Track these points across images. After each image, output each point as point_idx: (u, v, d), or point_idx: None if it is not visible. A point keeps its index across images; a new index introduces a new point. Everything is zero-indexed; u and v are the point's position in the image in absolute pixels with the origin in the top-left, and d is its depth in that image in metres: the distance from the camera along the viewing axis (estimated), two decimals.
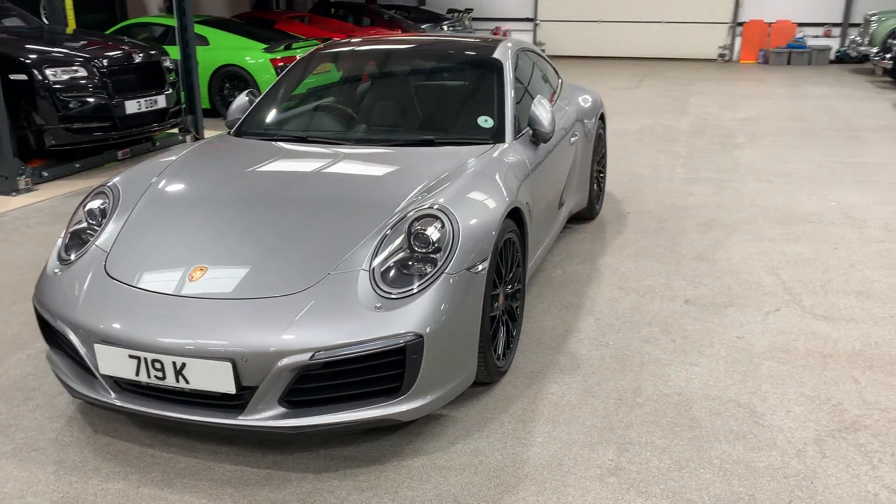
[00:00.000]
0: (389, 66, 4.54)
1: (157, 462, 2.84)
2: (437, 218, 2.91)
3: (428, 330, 2.66)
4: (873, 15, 15.08)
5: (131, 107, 7.45)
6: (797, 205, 6.08)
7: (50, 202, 6.40)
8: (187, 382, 2.63)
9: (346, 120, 4.15)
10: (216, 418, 2.66)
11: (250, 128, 4.17)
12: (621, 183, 6.75)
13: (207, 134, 9.22)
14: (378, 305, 2.67)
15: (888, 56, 12.86)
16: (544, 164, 4.03)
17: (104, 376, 2.79)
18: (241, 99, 4.41)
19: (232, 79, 10.42)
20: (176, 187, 3.44)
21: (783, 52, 17.76)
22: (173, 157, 3.70)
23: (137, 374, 2.68)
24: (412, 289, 2.72)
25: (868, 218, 5.70)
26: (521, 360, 3.54)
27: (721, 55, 19.07)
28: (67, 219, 6.09)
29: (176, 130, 8.77)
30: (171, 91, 8.03)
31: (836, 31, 18.41)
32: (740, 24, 18.77)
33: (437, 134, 3.86)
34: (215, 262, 2.87)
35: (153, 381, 2.67)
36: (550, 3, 20.09)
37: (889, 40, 13.26)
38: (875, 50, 14.12)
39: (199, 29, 10.43)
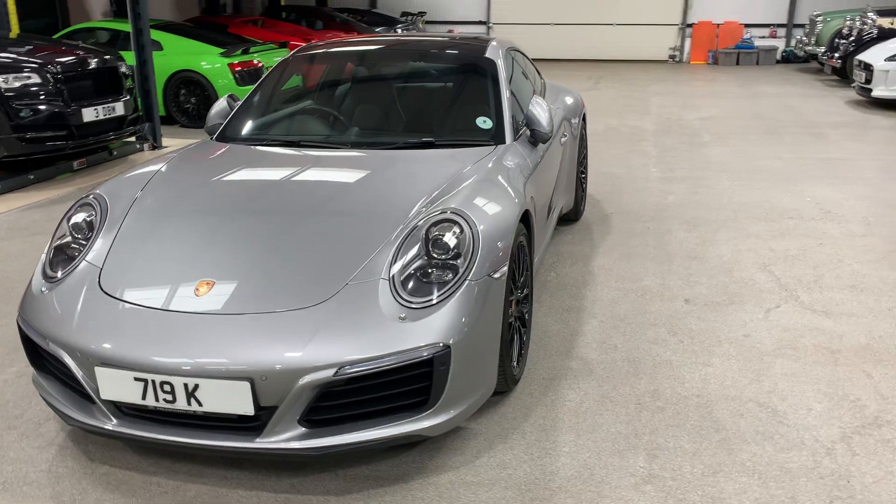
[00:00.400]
0: (379, 67, 4.40)
1: (164, 491, 2.65)
2: (454, 223, 2.79)
3: (454, 340, 2.54)
4: (818, 16, 15.50)
5: (88, 114, 7.13)
6: (775, 201, 6.13)
7: (6, 216, 6.06)
8: (200, 405, 2.45)
9: (338, 123, 3.99)
10: (232, 442, 2.49)
11: (235, 133, 3.98)
12: (598, 183, 6.71)
13: (166, 142, 8.91)
14: (402, 316, 2.53)
15: (836, 55, 13.20)
16: (541, 164, 3.94)
17: (105, 401, 2.59)
18: (221, 104, 4.21)
19: (188, 85, 10.09)
20: (167, 197, 3.24)
21: (732, 52, 18.13)
22: (158, 166, 3.49)
23: (144, 398, 2.49)
24: (434, 298, 2.59)
25: (846, 213, 5.77)
26: (532, 367, 3.44)
27: (672, 56, 19.37)
28: (26, 233, 5.80)
29: (133, 139, 8.43)
30: (128, 97, 7.72)
31: (782, 31, 18.88)
32: (689, 25, 19.11)
33: (436, 136, 3.74)
34: (222, 276, 2.69)
35: (161, 404, 2.48)
36: (503, 6, 20.14)
37: (836, 40, 13.62)
38: (822, 49, 14.49)
39: (152, 34, 10.08)
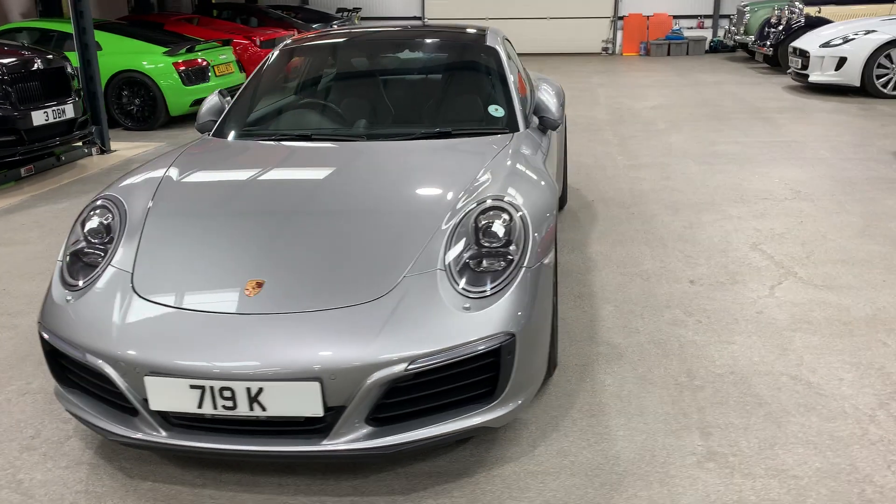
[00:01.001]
0: (381, 58, 4.29)
1: (220, 503, 2.52)
2: (502, 210, 2.74)
3: (518, 328, 2.49)
4: (746, 6, 16.05)
5: (38, 118, 6.75)
6: (745, 183, 6.30)
7: None
8: (263, 409, 2.33)
9: (346, 115, 3.87)
10: (297, 446, 2.38)
11: (236, 129, 3.82)
12: (571, 172, 6.76)
13: (114, 146, 8.53)
14: (467, 306, 2.47)
15: (768, 44, 13.70)
16: (550, 151, 3.93)
17: (152, 413, 2.44)
18: (213, 100, 4.04)
19: (131, 85, 9.68)
20: (187, 198, 3.07)
21: (663, 43, 18.60)
22: (164, 167, 3.29)
23: (200, 406, 2.35)
24: (495, 286, 2.54)
25: (814, 192, 5.98)
26: (563, 354, 3.43)
27: (604, 49, 19.74)
28: None
29: (80, 144, 8.02)
30: (77, 99, 7.35)
31: (708, 22, 19.48)
32: (620, 18, 19.51)
33: (451, 125, 3.67)
34: (271, 275, 2.56)
35: (220, 412, 2.35)
36: (437, 2, 20.11)
37: (766, 29, 14.13)
38: (752, 38, 15.01)
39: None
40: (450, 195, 2.90)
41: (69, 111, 7.14)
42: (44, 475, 2.69)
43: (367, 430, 2.40)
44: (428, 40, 4.38)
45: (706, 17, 19.49)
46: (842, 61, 10.42)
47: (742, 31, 15.92)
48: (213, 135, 3.84)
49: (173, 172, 3.22)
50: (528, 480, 2.59)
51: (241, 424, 2.42)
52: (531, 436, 2.84)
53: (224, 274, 2.61)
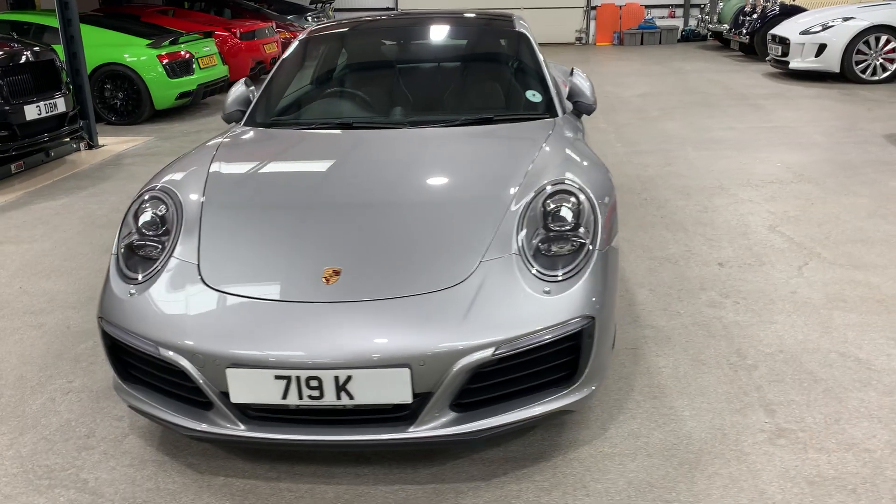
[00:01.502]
0: (412, 44, 4.24)
1: (299, 496, 2.48)
2: (569, 193, 2.74)
3: (597, 311, 2.49)
4: None
5: (31, 112, 6.56)
6: (749, 168, 6.38)
7: None
8: (351, 398, 2.30)
9: (382, 102, 3.82)
10: (384, 434, 2.35)
11: (270, 118, 3.75)
12: None
13: (102, 141, 8.33)
14: (547, 290, 2.46)
15: (744, 32, 13.89)
16: (586, 136, 3.93)
17: (231, 405, 2.38)
18: (239, 89, 3.97)
19: (114, 79, 9.45)
20: (242, 188, 3.01)
21: (636, 32, 18.75)
22: (206, 159, 3.20)
23: (285, 397, 2.31)
24: (570, 270, 2.53)
25: (818, 175, 6.08)
26: None
27: (578, 38, 19.84)
28: None
29: (68, 139, 7.81)
30: (68, 93, 7.15)
31: (679, 11, 19.69)
32: (594, 8, 19.61)
33: (490, 111, 3.65)
34: (347, 263, 2.52)
35: (305, 402, 2.31)
36: None
37: (741, 17, 14.33)
38: (726, 27, 15.22)
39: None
40: (511, 180, 2.88)
41: (61, 105, 6.95)
42: (109, 474, 2.62)
43: (450, 416, 2.38)
44: (458, 26, 4.35)
45: (677, 6, 19.70)
46: (822, 48, 10.62)
47: (716, 20, 16.13)
48: (246, 124, 3.76)
49: (220, 164, 3.15)
50: (606, 462, 2.59)
51: (323, 414, 2.38)
52: (599, 419, 2.84)
53: (298, 263, 2.56)
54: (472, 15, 4.46)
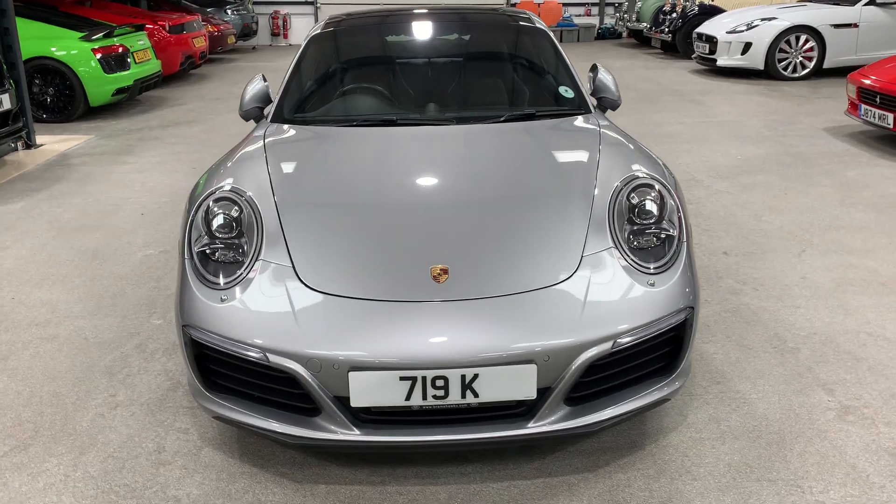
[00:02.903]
0: (437, 40, 4.19)
1: (412, 499, 2.44)
2: (650, 187, 2.80)
3: (695, 300, 2.57)
4: None
5: None
6: (713, 160, 6.67)
7: None
8: (476, 396, 2.28)
9: (422, 98, 3.76)
10: (505, 431, 2.34)
11: (306, 114, 3.65)
12: None
13: (39, 140, 7.81)
14: (651, 282, 2.51)
15: (666, 30, 14.45)
16: None
17: (344, 410, 2.32)
18: (257, 86, 3.82)
19: (44, 73, 8.88)
20: (315, 186, 2.92)
21: (555, 30, 19.13)
22: (258, 160, 3.04)
23: (408, 399, 2.27)
24: (665, 261, 2.60)
25: (778, 167, 6.43)
26: None
27: None
28: None
29: (6, 138, 7.28)
30: (12, 88, 6.68)
31: (595, 10, 20.26)
32: (513, 5, 19.88)
33: (528, 107, 3.68)
34: (453, 261, 2.49)
35: (429, 402, 2.28)
36: None
37: (660, 16, 14.89)
38: (645, 25, 15.78)
39: None
40: (586, 174, 2.92)
41: (6, 102, 6.48)
42: (199, 489, 2.50)
43: (565, 410, 2.40)
44: (479, 23, 4.34)
45: (593, 4, 20.25)
46: (747, 46, 11.19)
47: (634, 19, 16.69)
48: (275, 120, 3.62)
49: (278, 163, 3.02)
50: (699, 447, 2.68)
51: (441, 414, 2.36)
52: (675, 406, 2.92)
53: (402, 262, 2.51)
54: (482, 10, 4.45)
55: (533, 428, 2.36)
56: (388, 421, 2.36)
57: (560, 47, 4.04)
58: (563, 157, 3.14)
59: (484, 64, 4.07)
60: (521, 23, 4.18)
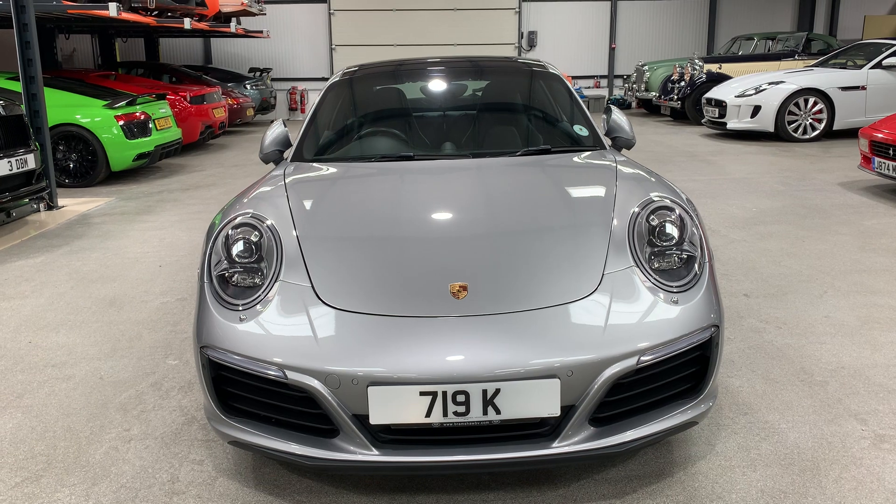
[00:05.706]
0: (453, 85, 4.28)
1: None
2: (669, 210, 2.79)
3: (720, 319, 2.53)
4: (644, 65, 17.19)
5: (2, 167, 6.22)
6: (729, 213, 6.67)
7: None
8: (498, 412, 2.22)
9: (437, 139, 3.82)
10: (528, 451, 2.27)
11: (324, 154, 3.71)
12: None
13: (62, 202, 7.95)
14: (675, 300, 2.48)
15: (675, 97, 14.70)
16: None
17: (363, 429, 2.26)
18: (277, 130, 3.89)
19: (68, 140, 9.11)
20: (337, 219, 2.91)
21: None
22: (279, 198, 3.03)
23: (429, 415, 2.22)
24: (688, 280, 2.56)
25: (794, 217, 6.42)
26: None
27: None
28: None
29: (27, 199, 7.41)
30: (37, 149, 6.84)
31: (604, 82, 20.72)
32: None
33: (550, 143, 3.72)
34: (472, 279, 2.47)
35: (450, 419, 2.22)
36: (344, 62, 20.28)
37: (668, 84, 15.19)
38: (654, 94, 16.07)
39: (14, 85, 9.04)
40: (605, 201, 2.92)
41: (31, 161, 6.63)
42: None
43: (590, 430, 2.33)
44: (493, 68, 4.45)
45: (602, 77, 20.72)
46: (756, 109, 11.34)
47: (643, 88, 17.01)
48: (294, 160, 3.68)
49: (299, 198, 3.02)
50: (730, 474, 2.58)
51: (463, 433, 2.30)
52: (702, 436, 2.84)
53: (421, 281, 2.50)
54: (495, 57, 4.56)
55: (557, 448, 2.28)
56: (407, 441, 2.31)
57: (574, 90, 4.12)
58: (580, 188, 3.15)
59: (499, 113, 4.13)
60: (534, 68, 4.27)
